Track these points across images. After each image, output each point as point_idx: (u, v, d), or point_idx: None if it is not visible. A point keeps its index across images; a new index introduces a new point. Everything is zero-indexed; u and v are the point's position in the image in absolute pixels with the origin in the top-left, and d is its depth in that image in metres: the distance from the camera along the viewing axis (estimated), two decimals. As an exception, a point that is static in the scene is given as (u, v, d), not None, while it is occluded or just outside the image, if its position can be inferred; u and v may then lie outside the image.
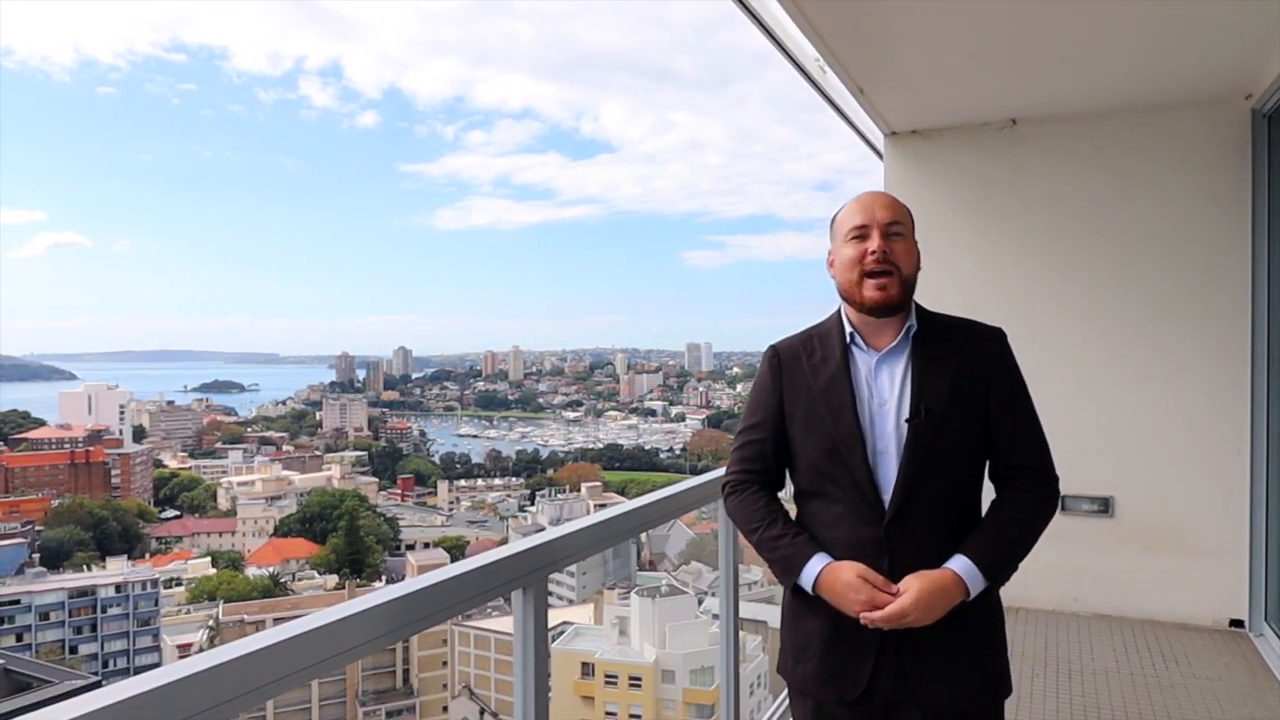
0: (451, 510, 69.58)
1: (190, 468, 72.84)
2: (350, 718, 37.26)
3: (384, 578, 50.61)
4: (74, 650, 42.17)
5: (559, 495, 64.01)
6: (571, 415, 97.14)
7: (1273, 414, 4.28)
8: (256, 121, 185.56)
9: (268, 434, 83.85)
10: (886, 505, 1.73)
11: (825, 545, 1.77)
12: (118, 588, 43.50)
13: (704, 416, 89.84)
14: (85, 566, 47.94)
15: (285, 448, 79.54)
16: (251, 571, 49.91)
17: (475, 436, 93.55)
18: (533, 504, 64.70)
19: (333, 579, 49.45)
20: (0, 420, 72.39)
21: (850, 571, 1.69)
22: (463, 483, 75.75)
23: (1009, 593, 1.81)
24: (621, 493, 61.43)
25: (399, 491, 73.78)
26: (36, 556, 48.87)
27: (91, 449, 64.55)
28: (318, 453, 78.18)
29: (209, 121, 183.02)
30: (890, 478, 1.73)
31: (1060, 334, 4.76)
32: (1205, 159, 4.52)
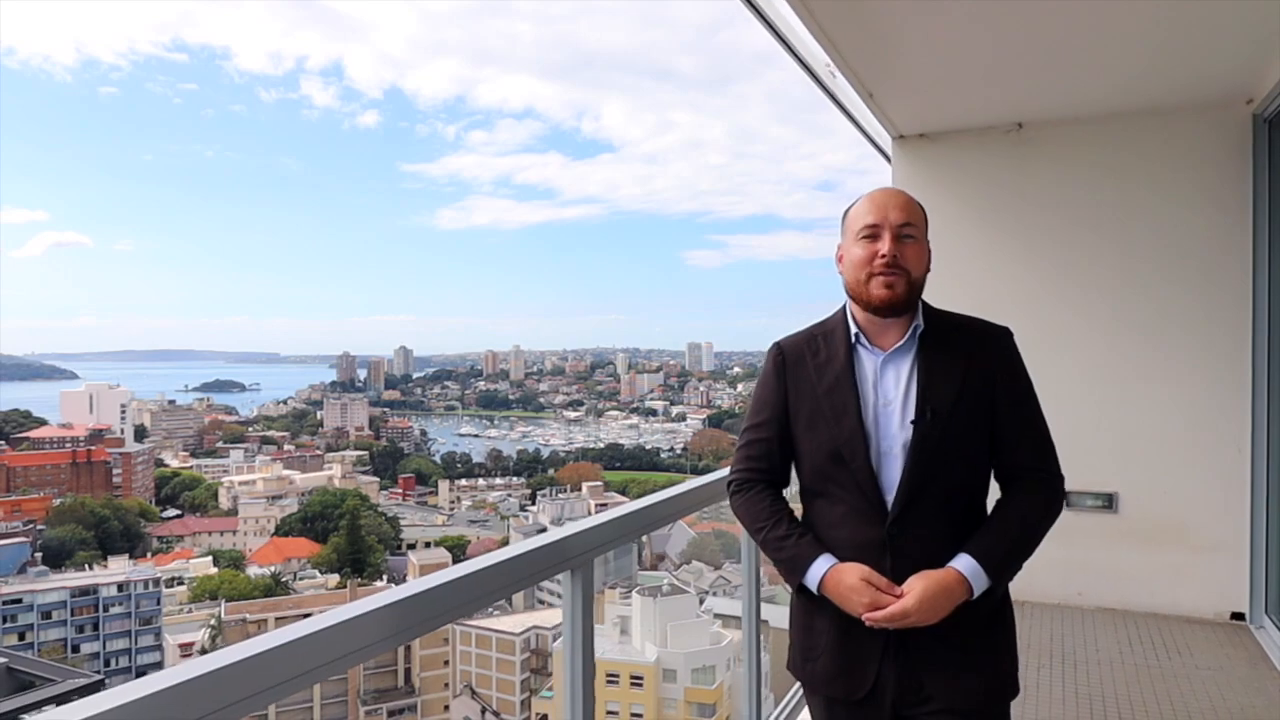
0: (453, 510, 69.69)
1: (191, 467, 72.93)
2: (352, 717, 37.34)
3: (385, 577, 50.67)
4: (76, 649, 42.25)
5: (560, 495, 64.13)
6: (572, 415, 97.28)
7: (1273, 412, 4.37)
8: (258, 121, 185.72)
9: (269, 433, 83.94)
10: (889, 506, 1.72)
11: (829, 545, 1.78)
12: (120, 587, 43.57)
13: (705, 416, 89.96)
14: (87, 565, 48.02)
15: (286, 447, 79.64)
16: (253, 571, 49.97)
17: (476, 436, 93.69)
18: (534, 503, 64.80)
19: (334, 578, 49.54)
20: (2, 419, 72.47)
21: (854, 574, 1.70)
22: (464, 482, 75.88)
23: (1015, 586, 1.81)
24: (623, 492, 61.52)
25: (400, 491, 73.90)
26: (39, 555, 48.93)
27: (93, 448, 64.64)
28: (319, 452, 78.28)
29: (211, 121, 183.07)
30: (894, 479, 1.73)
31: (1064, 333, 4.85)
32: (1207, 162, 4.61)
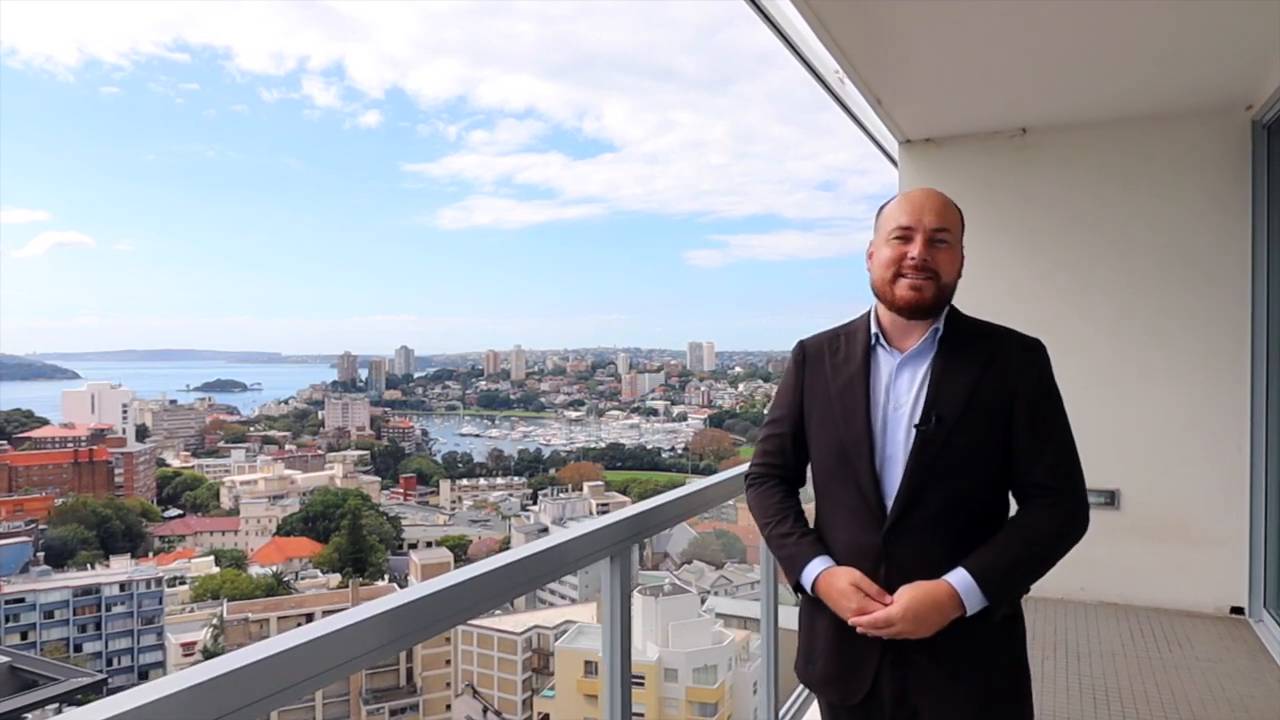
0: (454, 509, 69.83)
1: (193, 467, 73.05)
2: (354, 716, 37.42)
3: (386, 577, 50.76)
4: (78, 649, 42.32)
5: (561, 494, 64.22)
6: (573, 415, 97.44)
7: (1271, 410, 4.48)
8: (260, 121, 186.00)
9: (270, 433, 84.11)
10: (888, 511, 1.69)
11: (829, 547, 1.76)
12: (122, 586, 43.65)
13: (706, 416, 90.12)
14: (89, 565, 48.10)
15: (288, 447, 79.80)
16: (255, 570, 50.06)
17: (477, 436, 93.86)
18: (535, 503, 64.91)
19: (336, 578, 49.64)
20: (4, 419, 72.60)
21: (844, 578, 1.69)
22: (465, 482, 76.00)
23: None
24: (624, 492, 61.63)
25: (401, 491, 74.04)
26: (41, 555, 48.97)
27: (95, 448, 64.74)
28: (320, 452, 78.41)
29: (212, 121, 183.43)
30: (896, 484, 1.69)
31: (1068, 333, 4.94)
32: (1207, 167, 4.72)
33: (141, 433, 79.70)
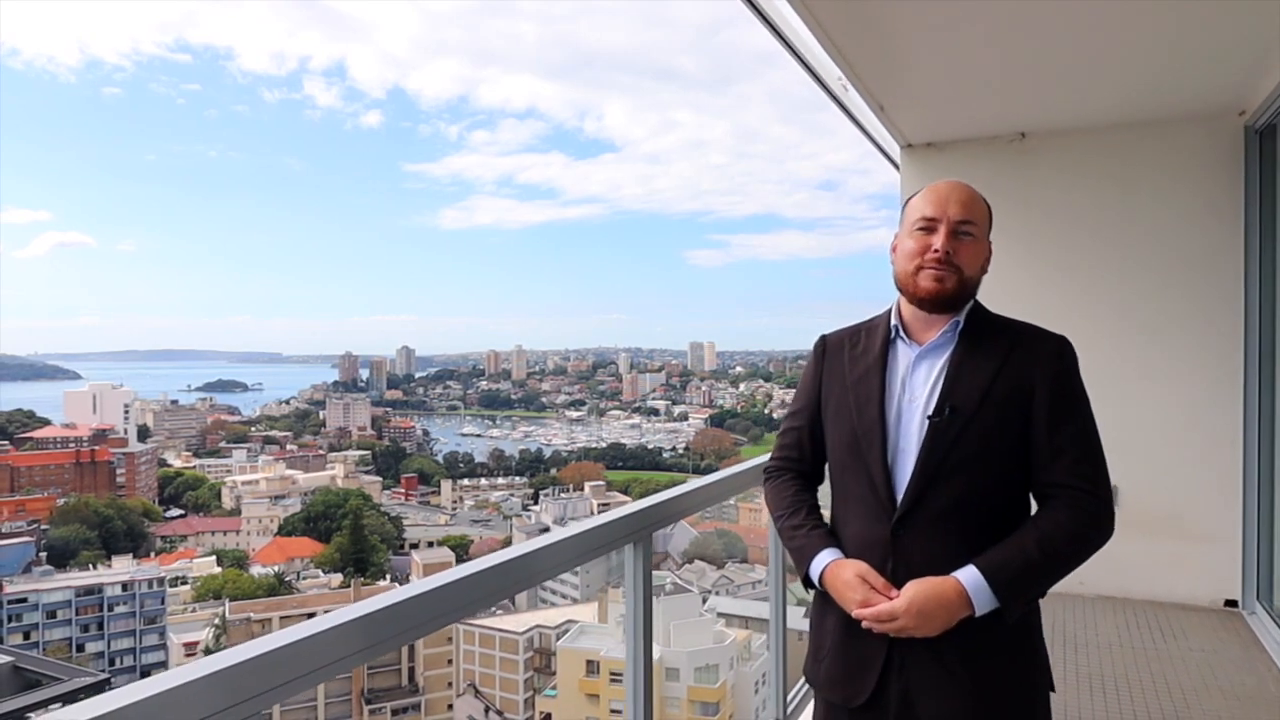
0: (455, 509, 69.91)
1: (194, 467, 73.14)
2: (355, 715, 37.51)
3: (388, 576, 50.86)
4: (81, 648, 42.40)
5: (562, 494, 64.33)
6: (574, 414, 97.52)
7: (1265, 409, 4.60)
8: (261, 121, 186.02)
9: (271, 433, 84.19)
10: (898, 504, 1.66)
11: (841, 540, 1.75)
12: (124, 586, 43.74)
13: (707, 416, 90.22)
14: (91, 565, 48.18)
15: (289, 447, 79.87)
16: (256, 570, 50.14)
17: (478, 436, 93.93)
18: (536, 503, 65.02)
19: (337, 578, 49.75)
20: (6, 419, 72.66)
21: (851, 570, 1.66)
22: (466, 482, 76.12)
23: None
24: (625, 491, 61.73)
25: (403, 491, 74.11)
26: (43, 555, 49.06)
27: (96, 448, 64.82)
28: (321, 452, 78.49)
29: (214, 121, 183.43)
30: (907, 476, 1.66)
31: (1067, 333, 5.05)
32: (1202, 171, 4.84)
33: (143, 433, 79.79)
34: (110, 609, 43.32)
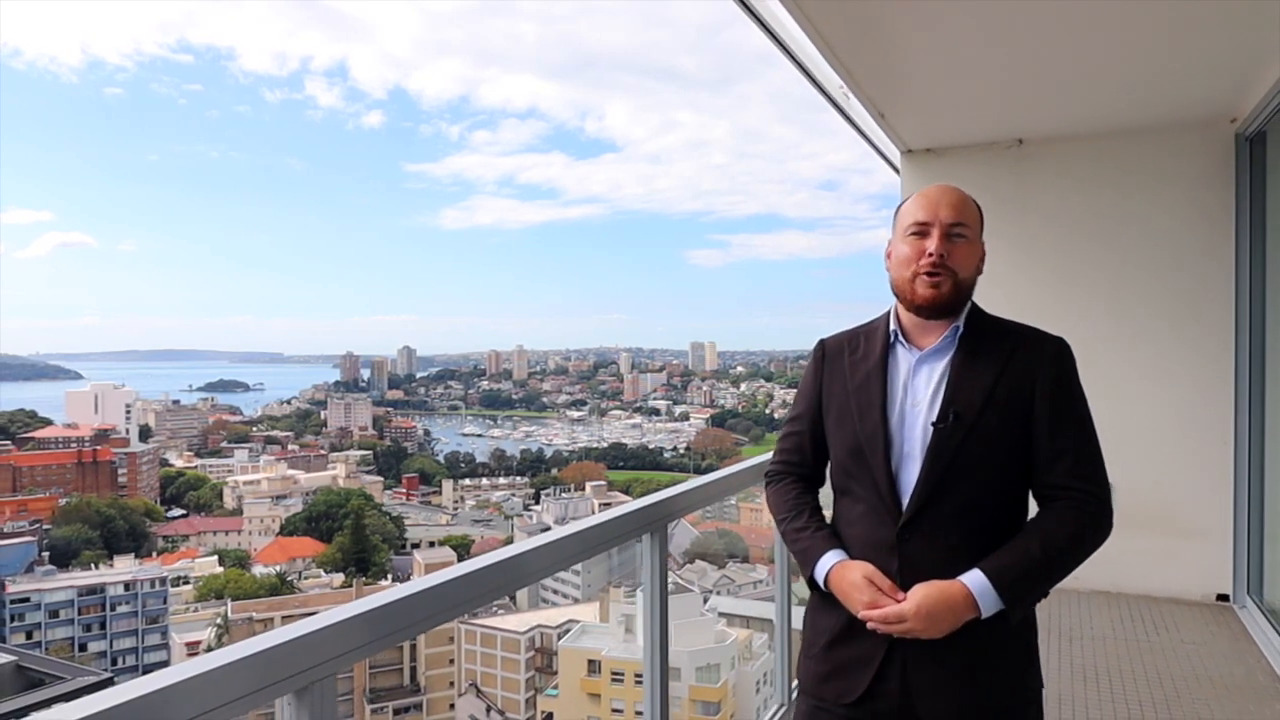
0: (456, 509, 69.95)
1: (196, 467, 73.22)
2: (358, 715, 37.58)
3: (390, 576, 50.92)
4: (83, 648, 42.47)
5: (563, 494, 64.40)
6: (575, 414, 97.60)
7: (1255, 408, 4.72)
8: (262, 122, 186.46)
9: (273, 433, 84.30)
10: (904, 509, 1.68)
11: (845, 543, 1.76)
12: (126, 586, 43.81)
13: (708, 416, 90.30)
14: (93, 565, 48.25)
15: (290, 447, 79.96)
16: (258, 570, 50.21)
17: (480, 436, 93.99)
18: (537, 503, 65.09)
19: (339, 577, 49.83)
20: (8, 419, 72.71)
21: (858, 571, 1.67)
22: (467, 482, 76.18)
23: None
24: (626, 491, 61.76)
25: (404, 490, 74.19)
26: (45, 555, 49.11)
27: (98, 448, 64.87)
28: (323, 452, 78.57)
29: (215, 122, 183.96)
30: (912, 481, 1.68)
31: (1062, 334, 5.17)
32: (1194, 177, 4.96)
33: (144, 433, 79.87)
34: (112, 608, 43.41)
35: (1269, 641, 4.21)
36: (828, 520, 1.86)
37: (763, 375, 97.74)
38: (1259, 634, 4.36)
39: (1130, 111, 4.84)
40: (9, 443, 67.37)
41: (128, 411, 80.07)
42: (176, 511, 64.84)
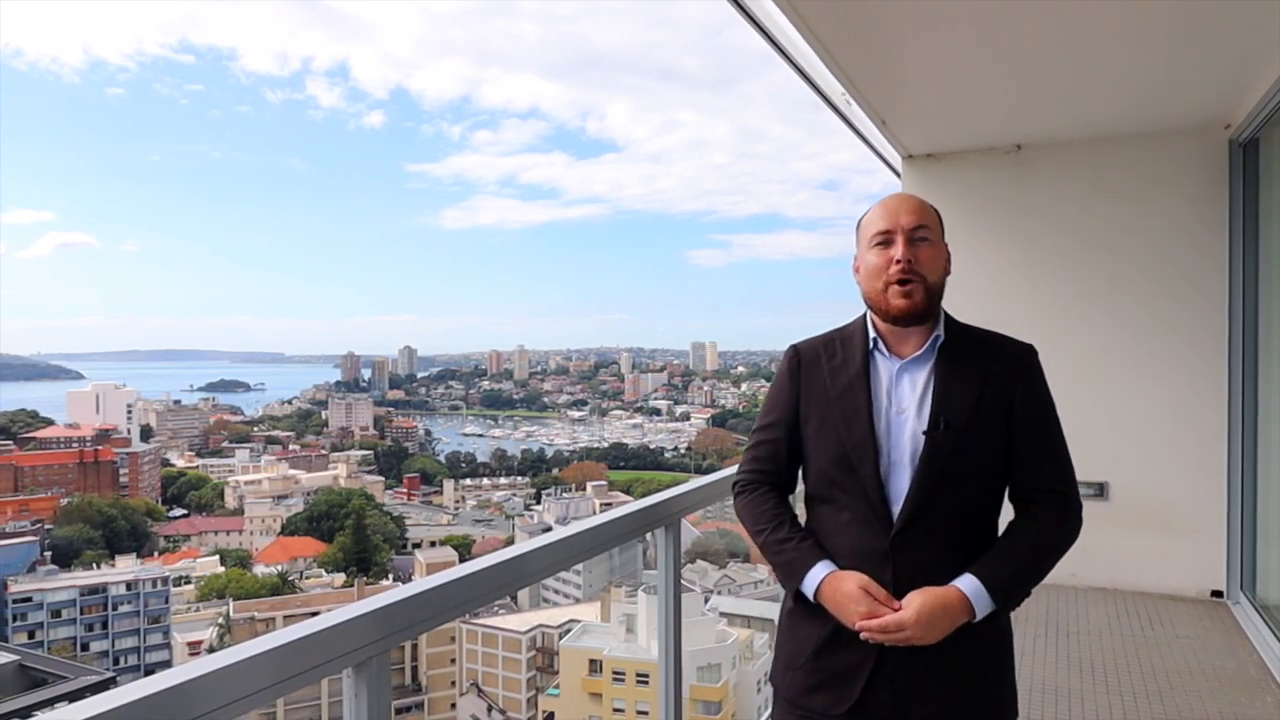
0: (457, 509, 70.14)
1: (197, 467, 73.42)
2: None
3: (391, 576, 51.03)
4: (86, 647, 42.62)
5: (564, 494, 64.53)
6: (576, 414, 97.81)
7: (1248, 407, 4.82)
8: (264, 122, 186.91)
9: (274, 433, 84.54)
10: (895, 517, 1.68)
11: (830, 553, 1.74)
12: (128, 585, 43.95)
13: (709, 415, 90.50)
14: (95, 565, 48.37)
15: (291, 447, 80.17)
16: (259, 570, 50.34)
17: (481, 435, 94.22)
18: (538, 503, 65.28)
19: (340, 577, 49.95)
20: (9, 420, 72.91)
21: (852, 582, 1.66)
22: (468, 481, 76.39)
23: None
24: (627, 491, 61.87)
25: (405, 490, 74.38)
26: (47, 554, 49.22)
27: (100, 448, 65.07)
28: (324, 452, 78.77)
29: (217, 122, 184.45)
30: (902, 489, 1.68)
31: (1060, 336, 5.28)
32: (1189, 182, 5.06)
33: (146, 433, 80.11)
34: (114, 608, 43.55)
35: (1261, 636, 4.31)
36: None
37: (764, 375, 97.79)
38: (1251, 629, 4.46)
39: (1127, 118, 4.93)
40: (11, 443, 67.52)
41: (129, 411, 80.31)
42: (178, 511, 65.02)
